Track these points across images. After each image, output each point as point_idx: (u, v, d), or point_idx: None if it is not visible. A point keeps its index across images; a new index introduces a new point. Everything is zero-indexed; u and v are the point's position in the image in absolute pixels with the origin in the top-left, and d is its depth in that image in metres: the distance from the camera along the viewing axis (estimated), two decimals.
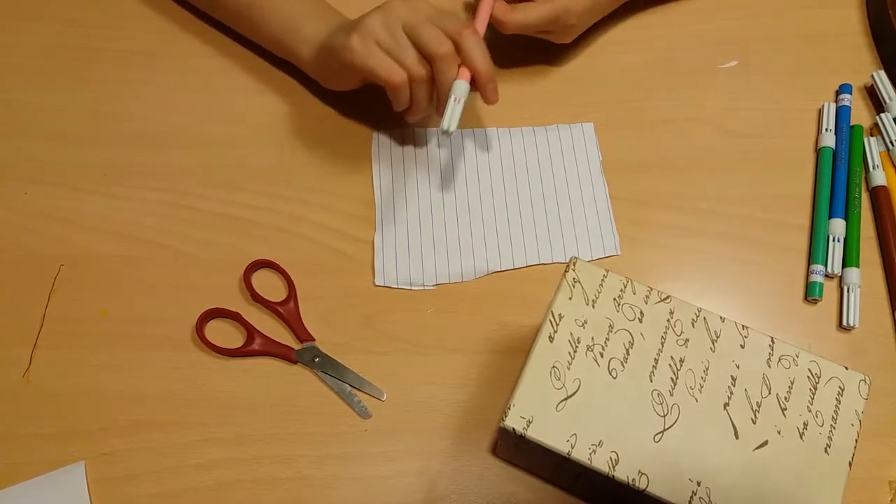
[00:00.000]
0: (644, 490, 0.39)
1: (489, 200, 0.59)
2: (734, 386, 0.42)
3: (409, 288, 0.56)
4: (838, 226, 0.58)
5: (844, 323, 0.55)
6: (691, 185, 0.60)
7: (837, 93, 0.63)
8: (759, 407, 0.41)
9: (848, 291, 0.55)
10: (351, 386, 0.53)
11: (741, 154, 0.61)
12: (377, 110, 0.61)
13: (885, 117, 0.61)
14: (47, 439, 0.51)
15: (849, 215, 0.58)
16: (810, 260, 0.57)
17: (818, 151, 0.61)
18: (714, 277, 0.57)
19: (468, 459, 0.51)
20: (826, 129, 0.61)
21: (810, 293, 0.56)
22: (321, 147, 0.61)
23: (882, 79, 0.62)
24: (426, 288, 0.56)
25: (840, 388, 0.42)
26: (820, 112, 0.63)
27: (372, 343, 0.54)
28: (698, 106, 0.63)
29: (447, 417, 0.52)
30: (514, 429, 0.41)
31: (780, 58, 0.65)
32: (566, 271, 0.44)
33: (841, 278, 0.56)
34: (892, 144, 0.60)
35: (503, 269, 0.57)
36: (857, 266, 0.56)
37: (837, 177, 0.59)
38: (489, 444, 0.51)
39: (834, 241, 0.57)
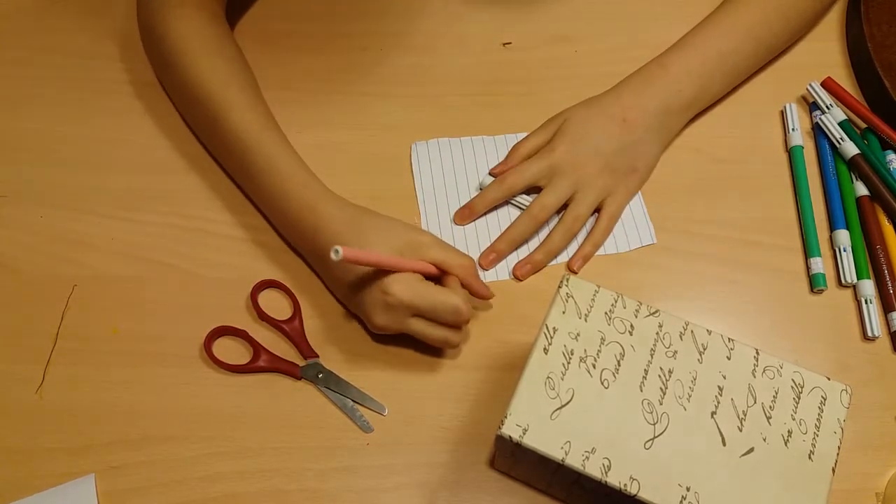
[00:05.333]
0: (635, 495, 0.41)
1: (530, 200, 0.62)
2: (721, 395, 0.44)
3: None
4: (843, 236, 0.60)
5: (869, 334, 0.57)
6: (680, 208, 0.62)
7: (811, 110, 0.67)
8: (744, 415, 0.43)
9: (866, 303, 0.58)
10: (353, 401, 0.54)
11: (728, 179, 0.64)
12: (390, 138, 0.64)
13: (827, 119, 0.64)
14: (59, 453, 0.52)
15: (850, 226, 0.61)
16: (806, 255, 0.60)
17: (790, 150, 0.65)
18: (704, 296, 0.59)
19: (467, 472, 0.52)
20: (792, 129, 0.65)
21: (815, 285, 0.59)
22: (321, 173, 0.63)
23: (817, 88, 0.66)
24: None
25: (822, 397, 0.44)
26: (783, 113, 0.67)
27: (374, 360, 0.56)
28: (687, 134, 0.66)
29: (446, 431, 0.54)
30: (510, 436, 0.42)
31: (765, 89, 0.68)
32: (560, 287, 0.47)
33: (856, 290, 0.59)
34: (840, 142, 0.63)
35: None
36: (869, 277, 0.59)
37: (830, 190, 0.62)
38: (487, 457, 0.53)
39: (842, 251, 0.59)
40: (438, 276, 0.54)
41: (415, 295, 0.51)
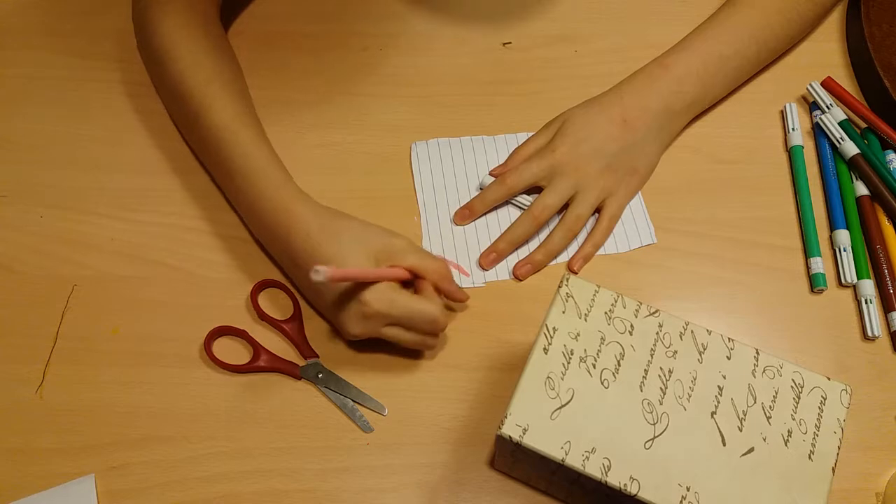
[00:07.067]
0: (635, 495, 0.41)
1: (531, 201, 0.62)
2: (721, 395, 0.44)
3: (459, 287, 0.58)
4: (843, 236, 0.60)
5: (869, 334, 0.57)
6: (681, 208, 0.62)
7: (811, 110, 0.67)
8: (744, 415, 0.43)
9: (866, 303, 0.58)
10: (353, 401, 0.54)
11: (728, 179, 0.64)
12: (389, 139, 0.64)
13: (828, 118, 0.64)
14: (59, 453, 0.52)
15: (850, 226, 0.61)
16: (806, 255, 0.60)
17: (790, 150, 0.65)
18: (704, 296, 0.59)
19: (467, 472, 0.52)
20: (792, 129, 0.65)
21: (815, 284, 0.59)
22: (321, 173, 0.63)
23: (818, 88, 0.66)
24: (476, 286, 0.58)
25: (822, 397, 0.44)
26: (783, 113, 0.67)
27: (374, 360, 0.56)
28: (687, 134, 0.66)
29: (446, 431, 0.54)
30: (510, 436, 0.42)
31: (765, 89, 0.68)
32: (560, 287, 0.47)
33: (856, 289, 0.59)
34: (840, 142, 0.63)
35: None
36: (869, 277, 0.59)
37: (830, 190, 0.62)
38: (487, 457, 0.53)
39: (842, 251, 0.60)
40: (411, 281, 0.54)
41: (391, 305, 0.50)
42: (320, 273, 0.45)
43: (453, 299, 0.55)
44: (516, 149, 0.63)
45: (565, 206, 0.60)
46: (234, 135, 0.56)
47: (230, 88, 0.59)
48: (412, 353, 0.56)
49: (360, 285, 0.50)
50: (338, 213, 0.54)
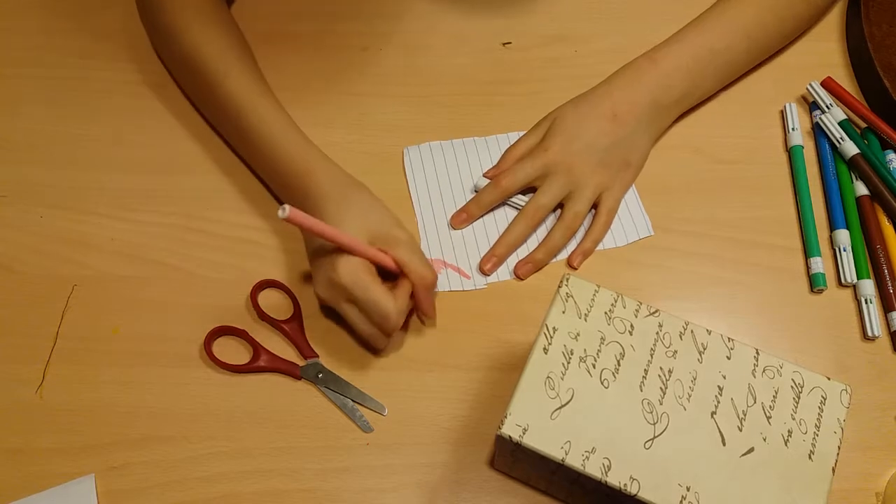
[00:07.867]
0: (635, 495, 0.41)
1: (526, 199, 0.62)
2: (721, 395, 0.44)
3: (461, 290, 0.58)
4: (843, 236, 0.60)
5: (869, 334, 0.57)
6: (681, 208, 0.62)
7: (811, 110, 0.67)
8: (744, 415, 0.43)
9: (866, 303, 0.58)
10: (353, 401, 0.54)
11: (728, 179, 0.64)
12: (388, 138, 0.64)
13: (828, 118, 0.64)
14: (59, 453, 0.52)
15: (850, 226, 0.61)
16: (806, 255, 0.60)
17: (790, 150, 0.65)
18: (704, 296, 0.59)
19: (467, 472, 0.52)
20: (792, 129, 0.65)
21: (815, 284, 0.59)
22: None
23: (817, 88, 0.66)
24: (477, 288, 0.59)
25: (822, 397, 0.44)
26: (783, 113, 0.66)
27: (373, 359, 0.56)
28: (687, 134, 0.66)
29: (446, 431, 0.54)
30: (510, 436, 0.42)
31: (765, 89, 0.68)
32: (560, 286, 0.47)
33: (856, 289, 0.59)
34: (840, 142, 0.63)
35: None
36: (869, 277, 0.59)
37: (830, 190, 0.62)
38: (487, 457, 0.53)
39: (842, 250, 0.59)
40: (397, 274, 0.54)
41: (355, 282, 0.51)
42: (285, 211, 0.46)
43: (420, 311, 0.56)
44: (508, 149, 0.63)
45: (560, 205, 0.60)
46: (252, 102, 0.58)
47: (244, 59, 0.61)
48: (412, 353, 0.56)
49: (340, 251, 0.51)
50: (356, 183, 0.56)
